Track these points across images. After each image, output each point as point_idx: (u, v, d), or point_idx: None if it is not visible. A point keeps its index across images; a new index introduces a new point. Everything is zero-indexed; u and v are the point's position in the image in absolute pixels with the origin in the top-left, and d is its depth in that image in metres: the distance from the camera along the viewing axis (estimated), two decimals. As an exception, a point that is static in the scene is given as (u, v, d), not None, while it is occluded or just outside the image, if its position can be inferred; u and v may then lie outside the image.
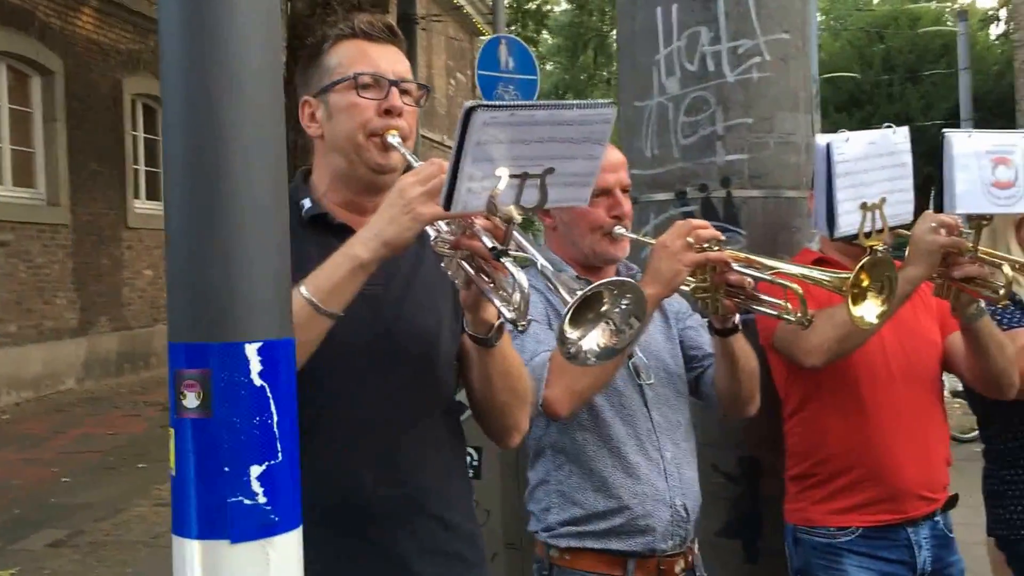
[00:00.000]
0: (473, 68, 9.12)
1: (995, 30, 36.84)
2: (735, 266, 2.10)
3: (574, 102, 1.41)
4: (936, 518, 2.48)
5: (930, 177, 2.20)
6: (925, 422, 2.48)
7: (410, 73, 1.81)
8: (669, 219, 2.78)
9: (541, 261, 1.44)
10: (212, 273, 1.09)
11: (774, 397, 2.52)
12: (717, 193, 2.75)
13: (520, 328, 1.46)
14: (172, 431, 1.13)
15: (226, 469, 1.10)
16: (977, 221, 2.18)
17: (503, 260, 1.43)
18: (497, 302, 1.50)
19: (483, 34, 19.46)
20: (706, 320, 2.22)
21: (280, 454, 1.12)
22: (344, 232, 1.70)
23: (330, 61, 1.78)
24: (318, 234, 1.75)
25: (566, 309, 1.35)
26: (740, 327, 2.18)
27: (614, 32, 25.65)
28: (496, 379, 1.77)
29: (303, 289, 1.54)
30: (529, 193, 1.42)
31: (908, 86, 30.15)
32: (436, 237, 1.55)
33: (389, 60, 1.78)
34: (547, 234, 2.38)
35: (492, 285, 1.52)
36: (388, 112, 1.73)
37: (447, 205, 1.40)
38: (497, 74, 8.95)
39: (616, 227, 2.23)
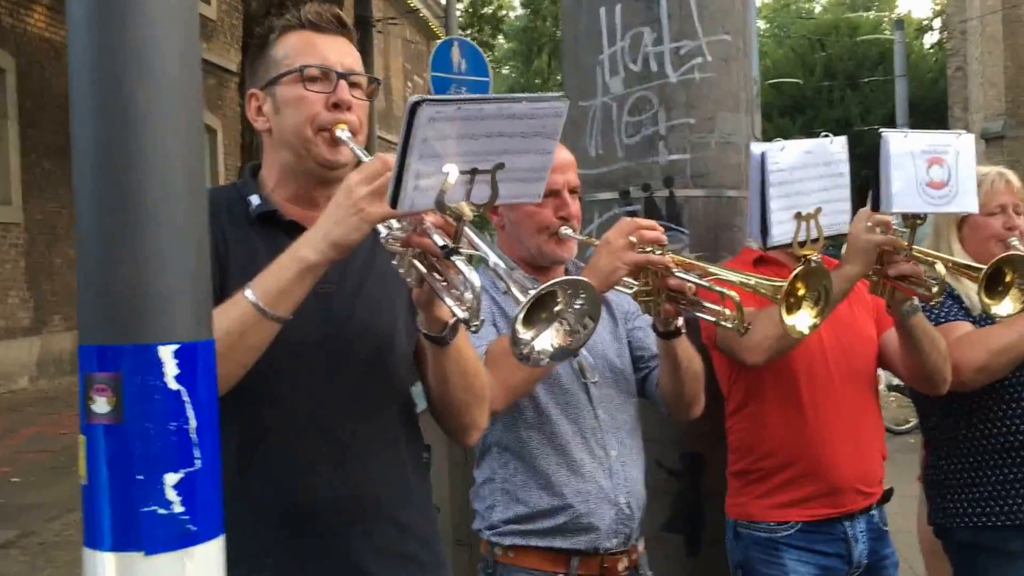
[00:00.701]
0: (430, 70, 9.06)
1: (929, 39, 37.62)
2: (676, 271, 2.05)
3: (523, 95, 1.34)
4: (872, 512, 2.47)
5: (868, 180, 2.17)
6: (862, 418, 2.47)
7: (360, 65, 1.72)
8: (613, 218, 2.74)
9: (493, 259, 1.38)
10: (123, 271, 1.01)
11: (715, 393, 2.49)
12: (660, 192, 2.72)
13: (473, 328, 1.39)
14: (82, 438, 1.05)
15: (139, 477, 1.03)
16: (912, 220, 2.17)
17: (454, 258, 1.37)
18: (449, 301, 1.44)
19: (439, 37, 19.35)
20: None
21: (198, 461, 1.05)
22: (294, 229, 1.62)
23: (276, 53, 1.70)
24: (267, 231, 1.67)
25: (519, 308, 1.28)
26: (683, 331, 2.14)
27: (567, 37, 25.66)
28: (453, 377, 1.70)
29: (249, 293, 1.46)
30: (480, 189, 1.36)
31: (848, 92, 30.68)
32: (387, 235, 1.49)
33: (338, 52, 1.69)
34: (497, 233, 2.33)
35: (444, 283, 1.45)
36: (336, 106, 1.65)
37: (394, 203, 1.34)
38: (450, 75, 8.92)
39: (562, 228, 2.18)
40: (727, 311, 2.03)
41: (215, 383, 1.10)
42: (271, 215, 1.69)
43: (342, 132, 1.64)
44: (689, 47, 2.68)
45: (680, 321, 2.12)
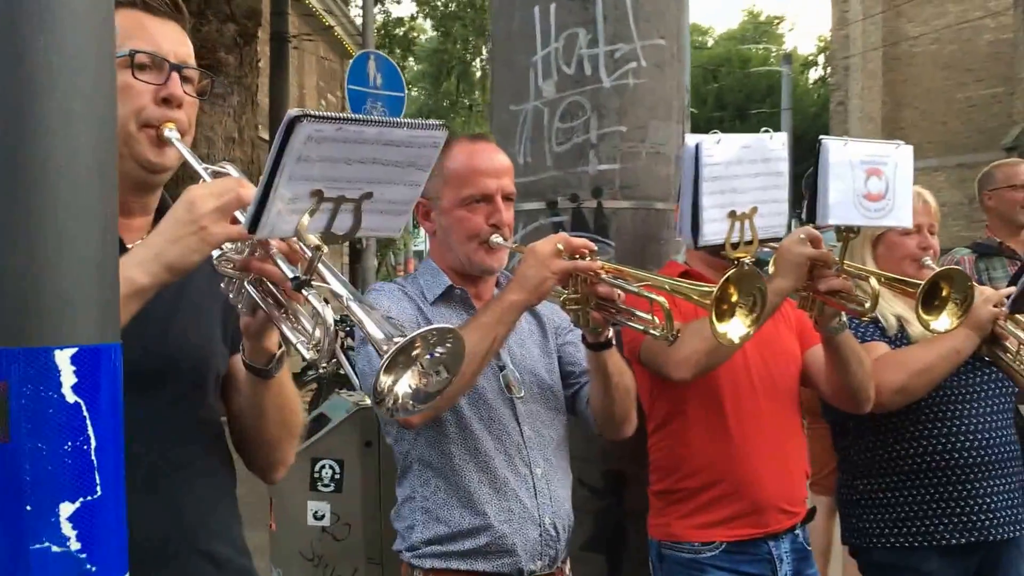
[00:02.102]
0: (343, 88, 8.82)
1: (814, 74, 39.23)
2: (605, 277, 1.92)
3: (406, 120, 1.22)
4: (796, 531, 2.39)
5: None
6: (785, 436, 2.39)
7: (193, 58, 1.51)
8: (539, 229, 2.62)
9: (347, 295, 1.21)
10: (13, 261, 0.82)
11: (639, 411, 2.37)
12: (588, 204, 2.61)
13: (323, 370, 1.23)
14: (-44, 460, 0.85)
15: (28, 508, 0.83)
16: (845, 234, 2.07)
17: (304, 292, 1.21)
18: (291, 336, 1.27)
19: (353, 55, 19.10)
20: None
21: (99, 488, 0.85)
22: None
23: None
24: None
25: (381, 361, 1.13)
26: (613, 342, 2.02)
27: (476, 61, 25.69)
28: (270, 412, 1.53)
29: None
30: (343, 219, 1.21)
31: (737, 123, 31.64)
32: (220, 256, 1.30)
33: (171, 40, 1.47)
34: (429, 239, 2.18)
35: (285, 316, 1.29)
36: (166, 101, 1.44)
37: (252, 228, 1.16)
38: (366, 89, 8.72)
39: (493, 236, 2.04)
40: (656, 319, 1.90)
41: (119, 395, 0.91)
42: None
43: (170, 132, 1.43)
44: (624, 51, 2.56)
45: (611, 332, 2.00)
